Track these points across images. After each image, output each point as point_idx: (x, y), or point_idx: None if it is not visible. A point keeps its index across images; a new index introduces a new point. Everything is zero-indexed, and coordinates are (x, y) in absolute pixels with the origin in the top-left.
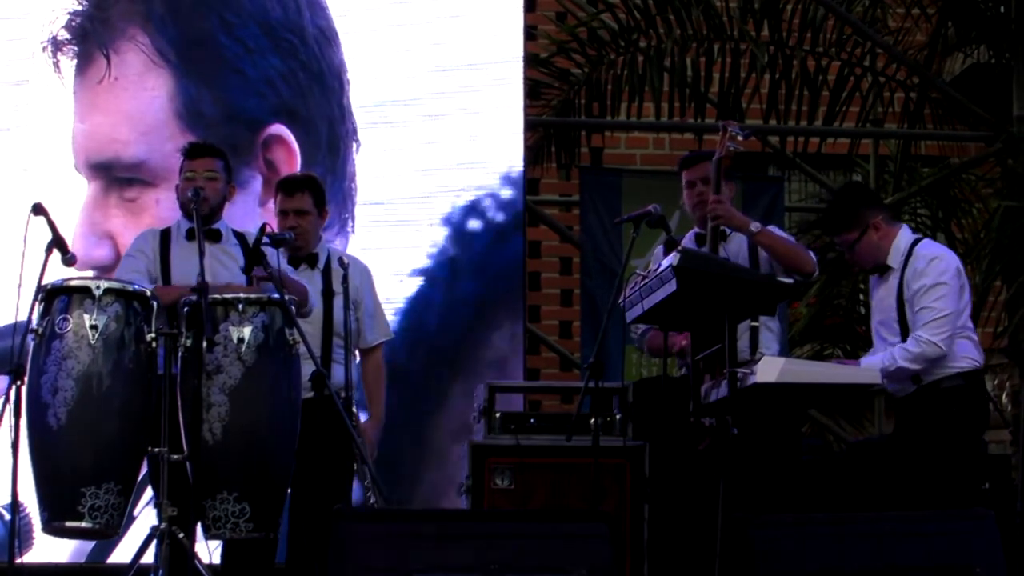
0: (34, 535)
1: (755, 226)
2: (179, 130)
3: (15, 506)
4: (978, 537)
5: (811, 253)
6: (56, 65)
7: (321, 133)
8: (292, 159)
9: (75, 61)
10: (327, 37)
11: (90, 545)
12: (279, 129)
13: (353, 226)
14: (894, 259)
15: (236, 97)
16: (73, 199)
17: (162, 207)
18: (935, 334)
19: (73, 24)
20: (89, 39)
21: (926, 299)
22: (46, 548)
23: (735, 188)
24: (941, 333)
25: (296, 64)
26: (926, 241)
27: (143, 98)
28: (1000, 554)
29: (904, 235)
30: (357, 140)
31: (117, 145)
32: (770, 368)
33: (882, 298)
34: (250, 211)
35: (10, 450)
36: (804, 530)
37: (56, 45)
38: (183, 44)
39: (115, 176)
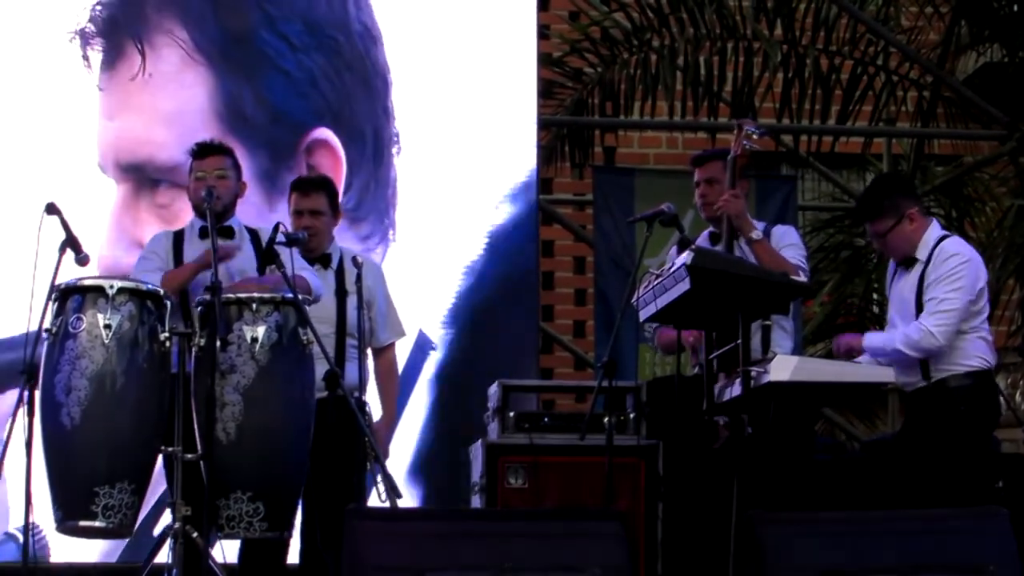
0: (49, 554)
1: (756, 234)
2: (220, 132)
3: (28, 506)
4: (992, 535)
5: (804, 273)
6: (85, 58)
7: (366, 138)
8: (337, 165)
9: (102, 55)
10: (372, 35)
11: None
12: (324, 133)
13: (395, 234)
14: (921, 252)
15: (279, 98)
16: (96, 199)
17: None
18: (937, 325)
19: (102, 15)
20: (120, 31)
21: (937, 290)
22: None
23: (747, 187)
24: (943, 326)
25: (341, 64)
26: (953, 238)
27: (181, 97)
28: (1014, 552)
29: (934, 230)
30: (399, 144)
31: (151, 147)
32: (783, 366)
33: (902, 289)
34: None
35: (23, 451)
36: (817, 528)
37: (85, 37)
38: (223, 40)
39: (147, 178)
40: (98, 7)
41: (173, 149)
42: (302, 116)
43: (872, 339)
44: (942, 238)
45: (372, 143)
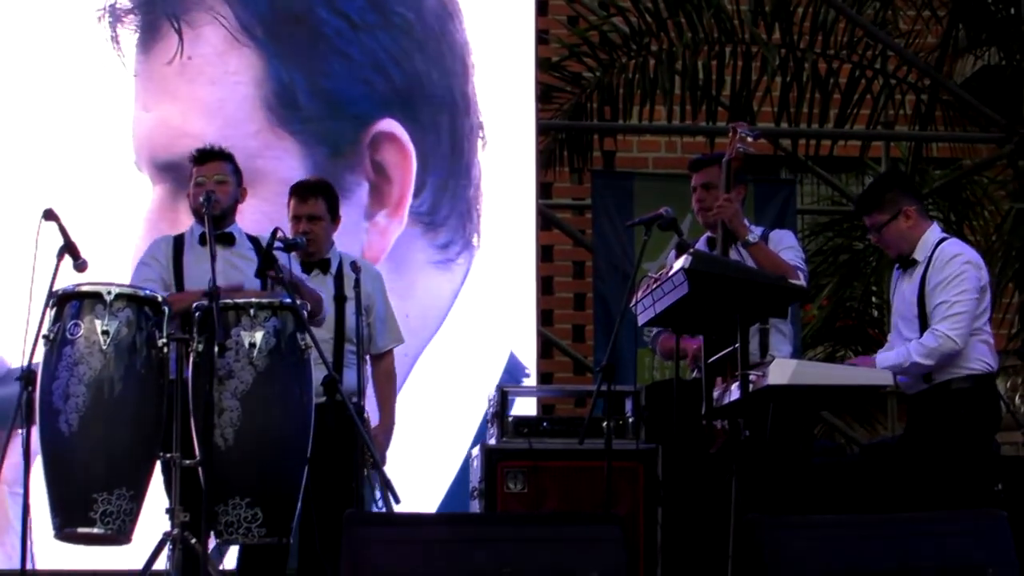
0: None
1: (752, 236)
2: (268, 124)
3: (26, 509)
4: (991, 538)
5: (802, 274)
6: (115, 39)
7: (441, 129)
8: (406, 162)
9: (138, 35)
10: (448, 11)
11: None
12: (390, 125)
13: (479, 240)
14: (920, 253)
15: (339, 86)
16: (131, 199)
17: (245, 219)
18: (952, 328)
19: None
20: (156, 9)
21: (944, 294)
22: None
23: (744, 191)
24: (958, 328)
25: (411, 44)
26: (952, 240)
27: (224, 83)
28: (1013, 554)
29: (933, 232)
30: (483, 136)
31: (189, 140)
32: (782, 370)
33: (904, 292)
34: (355, 225)
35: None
36: (816, 532)
37: (115, 15)
38: (274, 18)
39: (186, 177)
40: None
41: (217, 142)
42: (365, 106)
43: (885, 359)
44: (941, 240)
45: (448, 135)
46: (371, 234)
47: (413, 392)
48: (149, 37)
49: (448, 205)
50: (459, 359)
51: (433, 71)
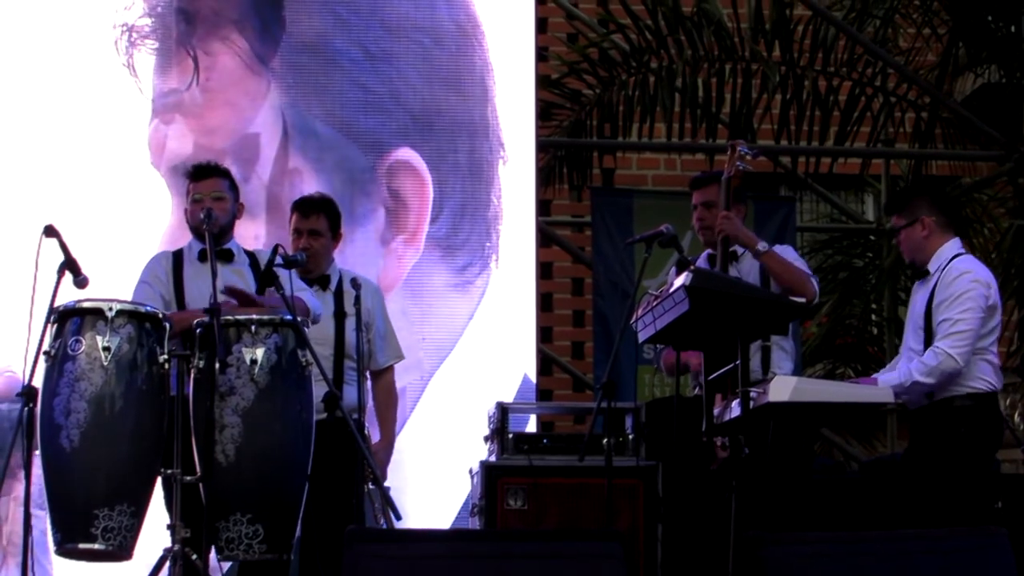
0: None
1: (762, 245)
2: (284, 151)
3: (27, 526)
4: (992, 555)
5: (814, 280)
6: (131, 64)
7: (459, 153)
8: (423, 189)
9: (155, 58)
10: (467, 34)
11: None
12: (407, 154)
13: (498, 260)
14: (934, 266)
15: (355, 115)
16: (144, 213)
17: (261, 245)
18: (954, 347)
19: (152, 14)
20: (171, 36)
21: (949, 311)
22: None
23: (744, 210)
24: (960, 347)
25: (428, 70)
26: (965, 256)
27: (240, 109)
28: (1014, 572)
29: (950, 247)
30: (504, 155)
31: (208, 153)
32: (782, 387)
33: (915, 303)
34: (371, 251)
35: (22, 473)
36: (816, 549)
37: (131, 40)
38: (289, 48)
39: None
40: (146, 6)
41: (231, 166)
42: (382, 135)
43: (888, 380)
44: (956, 256)
45: (467, 159)
46: (387, 260)
47: (427, 411)
48: (165, 61)
49: (467, 228)
50: (473, 379)
51: (451, 95)
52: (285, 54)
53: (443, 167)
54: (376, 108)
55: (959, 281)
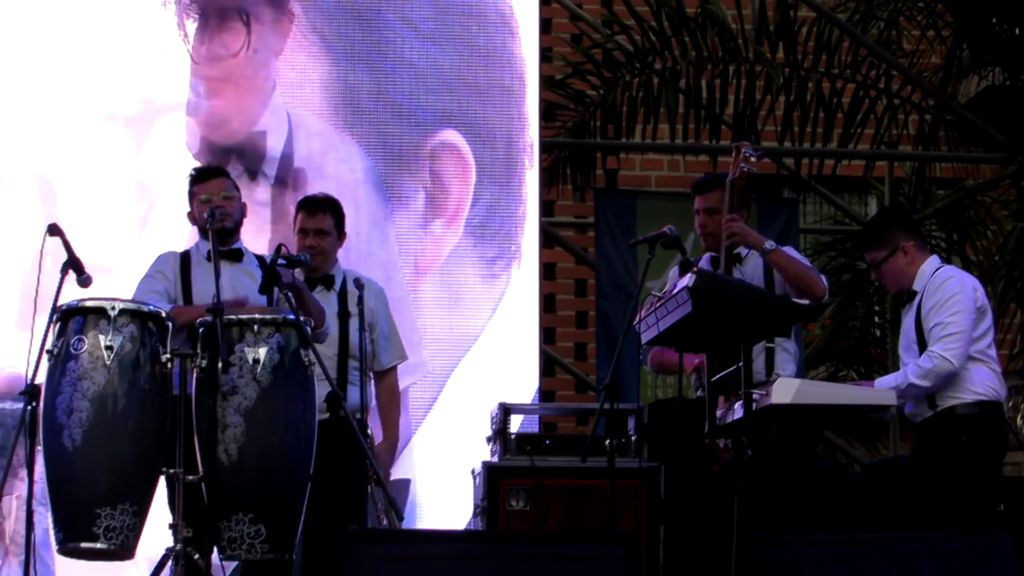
0: None
1: (769, 244)
2: (331, 125)
3: (29, 524)
4: (994, 558)
5: (822, 277)
6: (182, 27)
7: (497, 145)
8: (465, 173)
9: (198, 22)
10: (509, 27)
11: None
12: (452, 136)
13: (520, 262)
14: (919, 284)
15: (403, 93)
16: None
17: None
18: (947, 349)
19: None
20: (194, 33)
21: (939, 316)
22: None
23: (747, 213)
24: (953, 349)
25: (475, 58)
26: (949, 267)
27: (289, 80)
28: (1016, 575)
29: (931, 263)
30: (532, 155)
31: (253, 133)
32: (785, 389)
33: (906, 323)
34: (409, 232)
35: (24, 472)
36: (819, 550)
37: (182, 3)
38: (342, 19)
39: (247, 169)
40: None
41: (278, 137)
42: (427, 115)
43: (884, 382)
44: (937, 269)
45: (504, 150)
46: (426, 243)
47: (446, 407)
48: (215, 25)
49: (499, 221)
50: (491, 377)
51: (494, 87)
52: (338, 25)
53: (483, 156)
54: (423, 88)
55: (946, 286)
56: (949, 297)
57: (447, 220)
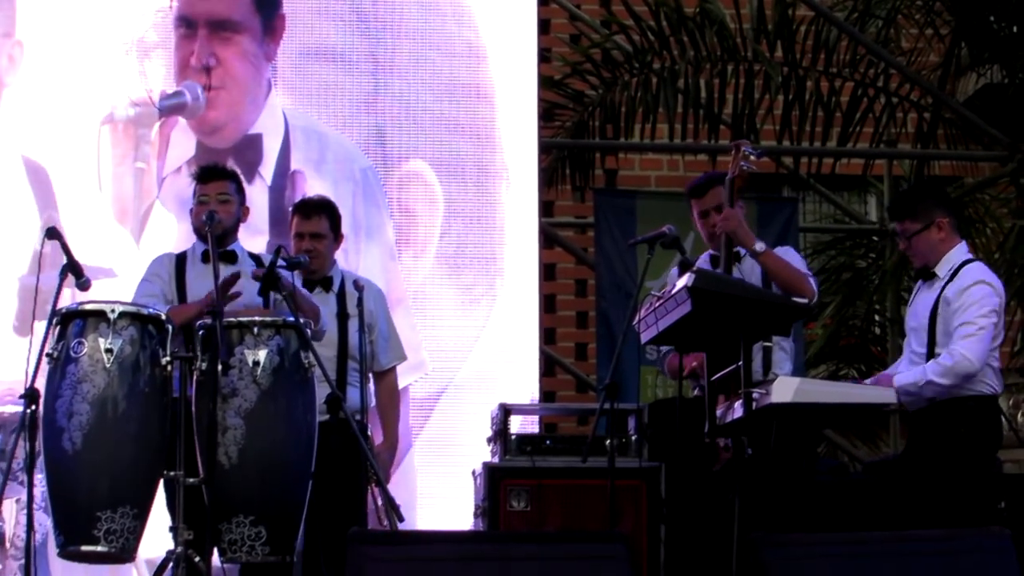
0: None
1: (760, 246)
2: (291, 161)
3: (30, 527)
4: (995, 556)
5: (813, 281)
6: (142, 73)
7: (467, 173)
8: (433, 204)
9: (165, 68)
10: (477, 55)
11: None
12: (419, 166)
13: (503, 284)
14: (942, 269)
15: (365, 124)
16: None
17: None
18: (971, 349)
19: (162, 23)
20: (182, 44)
21: (968, 315)
22: None
23: (744, 208)
24: (977, 349)
25: (440, 86)
26: (977, 262)
27: (254, 112)
28: (1017, 573)
29: (960, 250)
30: (508, 178)
31: (250, 137)
32: (785, 388)
33: (918, 304)
34: (380, 264)
35: (24, 475)
36: (820, 550)
37: (142, 48)
38: (300, 55)
39: (243, 171)
40: (159, 13)
41: (274, 139)
42: (392, 146)
43: (902, 379)
44: (967, 261)
45: (475, 179)
46: (397, 274)
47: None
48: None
49: (473, 247)
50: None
51: (462, 114)
52: (294, 62)
53: (452, 184)
54: (389, 118)
55: (977, 288)
56: (981, 298)
57: (417, 251)
